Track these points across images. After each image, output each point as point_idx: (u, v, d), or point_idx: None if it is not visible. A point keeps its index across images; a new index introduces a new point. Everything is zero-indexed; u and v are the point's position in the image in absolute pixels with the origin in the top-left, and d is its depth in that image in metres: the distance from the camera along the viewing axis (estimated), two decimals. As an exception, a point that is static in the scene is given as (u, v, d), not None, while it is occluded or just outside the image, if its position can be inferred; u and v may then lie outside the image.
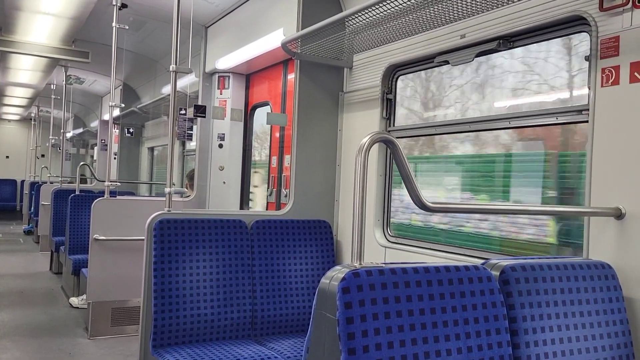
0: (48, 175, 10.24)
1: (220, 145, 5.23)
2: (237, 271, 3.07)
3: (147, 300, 2.93)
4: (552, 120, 2.38)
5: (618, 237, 1.97)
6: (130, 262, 4.47)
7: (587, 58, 2.16)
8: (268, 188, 4.77)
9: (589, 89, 2.14)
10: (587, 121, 2.14)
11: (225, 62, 4.98)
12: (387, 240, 3.30)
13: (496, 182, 3.09)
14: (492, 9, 2.51)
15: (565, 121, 2.33)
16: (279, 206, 4.50)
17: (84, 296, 5.20)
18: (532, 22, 2.39)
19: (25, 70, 8.49)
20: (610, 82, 2.04)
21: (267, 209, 4.75)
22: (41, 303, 5.84)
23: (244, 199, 5.32)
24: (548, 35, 2.42)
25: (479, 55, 2.71)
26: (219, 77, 5.28)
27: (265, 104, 5.07)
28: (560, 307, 1.71)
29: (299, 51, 3.46)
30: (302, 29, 3.34)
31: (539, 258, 1.84)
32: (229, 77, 5.25)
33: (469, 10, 2.53)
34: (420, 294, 1.46)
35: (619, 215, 1.96)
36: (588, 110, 2.14)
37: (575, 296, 1.74)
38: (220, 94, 5.26)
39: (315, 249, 3.36)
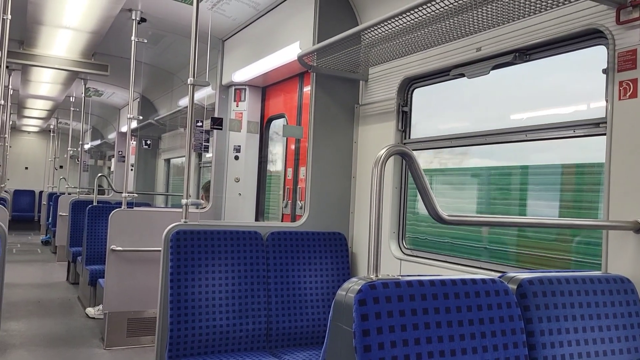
0: (66, 186, 10.37)
1: (237, 157, 5.26)
2: (253, 282, 3.08)
3: (163, 311, 2.95)
4: (570, 133, 2.37)
5: (637, 251, 1.95)
6: (146, 272, 4.50)
7: (605, 71, 2.16)
8: (283, 200, 4.79)
9: (607, 101, 2.13)
10: (604, 134, 2.13)
11: (242, 75, 5.03)
12: (403, 252, 3.29)
13: (512, 195, 3.07)
14: (508, 22, 2.51)
15: (582, 134, 2.32)
16: (294, 218, 4.51)
17: (101, 306, 5.23)
18: (548, 35, 2.39)
19: (46, 83, 8.64)
20: (628, 95, 2.04)
21: (282, 221, 4.77)
22: (58, 313, 5.89)
23: (260, 211, 5.34)
24: (565, 49, 2.41)
25: (495, 68, 2.71)
26: (235, 89, 5.33)
27: (281, 116, 5.10)
28: (579, 321, 1.69)
29: (315, 64, 3.48)
30: (318, 42, 3.38)
31: (557, 272, 1.83)
32: (245, 89, 5.30)
33: (485, 23, 2.54)
34: (437, 306, 1.46)
35: (638, 229, 1.94)
36: (606, 123, 2.13)
37: (593, 310, 1.72)
38: (237, 106, 5.31)
39: (331, 261, 3.36)
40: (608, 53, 2.13)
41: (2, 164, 8.02)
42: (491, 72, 2.74)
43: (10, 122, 10.88)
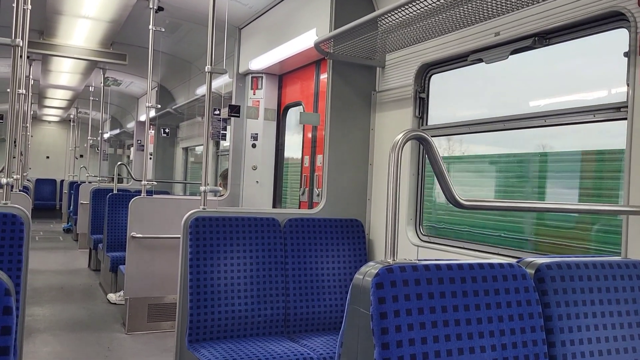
0: (86, 175, 10.52)
1: (254, 145, 5.29)
2: (271, 269, 3.11)
3: (183, 297, 2.99)
4: (589, 117, 2.34)
5: (658, 237, 1.93)
6: (166, 259, 4.56)
7: (626, 54, 2.12)
8: (300, 187, 4.81)
9: (628, 85, 2.10)
10: (625, 118, 2.10)
11: (259, 62, 5.04)
12: (420, 239, 3.29)
13: (531, 183, 3.05)
14: (527, 5, 2.48)
15: (602, 119, 2.30)
16: (311, 205, 4.53)
17: (122, 292, 5.33)
18: (568, 18, 2.36)
19: (65, 73, 8.75)
20: (649, 78, 2.00)
21: (299, 208, 4.79)
22: (80, 299, 6.02)
23: (277, 198, 5.37)
24: (585, 32, 2.38)
25: (513, 52, 2.69)
26: (252, 77, 5.35)
27: (298, 103, 5.11)
28: (598, 306, 1.68)
29: (331, 51, 3.48)
30: (334, 29, 3.37)
31: (575, 257, 1.82)
32: (262, 77, 5.31)
33: (504, 7, 2.51)
34: (454, 290, 1.46)
35: (658, 214, 1.92)
36: (627, 107, 2.10)
37: (612, 295, 1.72)
38: (254, 94, 5.32)
39: (348, 248, 3.37)
40: (630, 36, 2.09)
41: (24, 154, 8.15)
42: (510, 57, 2.71)
43: (32, 112, 11.05)
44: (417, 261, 1.48)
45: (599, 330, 1.67)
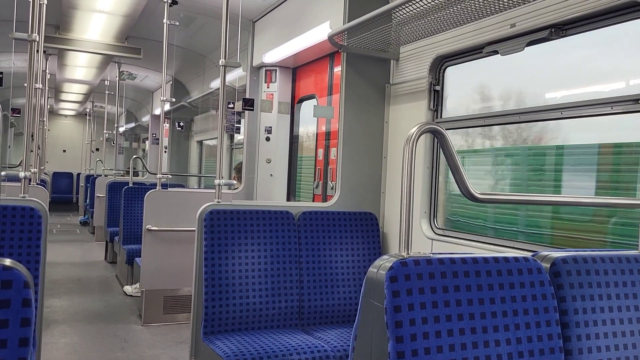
0: (102, 168, 10.63)
1: (268, 139, 5.30)
2: (285, 261, 3.13)
3: (198, 289, 3.02)
4: (607, 110, 2.31)
5: (676, 230, 1.90)
6: (181, 252, 4.60)
7: (645, 45, 2.09)
8: (314, 180, 4.81)
9: (646, 77, 2.07)
10: (643, 111, 2.08)
11: (272, 56, 5.04)
12: (434, 232, 3.28)
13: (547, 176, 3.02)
14: (544, -4, 2.45)
15: (620, 111, 2.26)
16: (325, 198, 4.53)
17: (138, 285, 5.39)
18: (586, 9, 2.32)
19: (81, 67, 8.83)
20: (669, 69, 1.97)
21: (313, 201, 4.80)
22: (97, 291, 6.09)
23: (291, 191, 5.39)
24: (602, 23, 2.34)
25: (529, 44, 2.66)
26: (266, 70, 5.35)
27: (311, 97, 5.11)
28: (614, 300, 1.67)
29: (345, 44, 3.47)
30: (348, 22, 3.35)
31: (591, 250, 1.80)
32: (275, 70, 5.31)
33: (520, -2, 2.48)
34: (469, 284, 1.46)
35: (677, 207, 1.89)
36: (645, 99, 2.07)
37: (629, 290, 1.70)
38: (268, 87, 5.33)
39: (362, 241, 3.37)
40: (649, 27, 2.06)
41: (42, 147, 8.24)
42: (525, 48, 2.68)
43: (48, 106, 11.17)
44: (432, 254, 1.48)
45: (615, 324, 1.65)
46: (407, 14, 2.85)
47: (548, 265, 1.64)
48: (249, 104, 4.63)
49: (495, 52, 2.84)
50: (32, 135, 3.73)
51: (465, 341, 1.42)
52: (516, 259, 1.57)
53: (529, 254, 1.69)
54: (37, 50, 3.34)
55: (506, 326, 1.48)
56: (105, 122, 11.03)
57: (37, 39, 3.13)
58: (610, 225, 2.59)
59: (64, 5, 5.53)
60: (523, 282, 1.54)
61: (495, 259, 1.54)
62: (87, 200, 11.53)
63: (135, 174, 8.60)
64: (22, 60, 6.46)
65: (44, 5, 4.26)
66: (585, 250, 1.79)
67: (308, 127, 5.30)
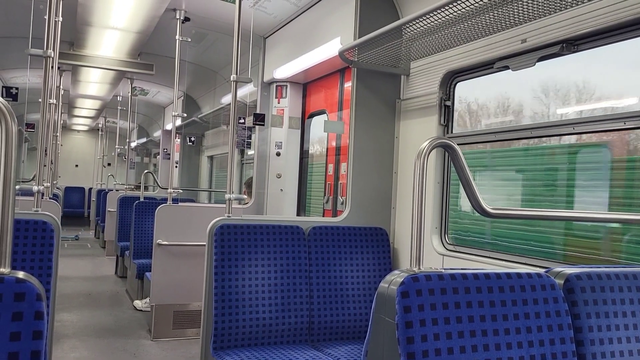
0: (114, 183, 10.69)
1: (278, 154, 5.32)
2: (295, 277, 3.12)
3: (208, 304, 3.01)
4: (620, 125, 2.29)
5: (692, 247, 1.87)
6: (191, 266, 4.60)
7: (657, 60, 2.08)
8: (324, 195, 4.81)
9: (660, 92, 2.05)
10: (657, 126, 2.06)
11: (283, 71, 5.07)
12: (445, 248, 3.26)
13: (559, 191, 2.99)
14: (555, 12, 2.45)
15: (633, 126, 2.25)
16: (335, 213, 4.52)
17: (148, 299, 5.39)
18: (597, 24, 2.32)
19: (94, 83, 8.94)
20: (682, 84, 1.96)
21: (323, 216, 4.79)
22: (107, 305, 6.10)
23: (301, 206, 5.38)
24: (615, 38, 2.34)
25: (540, 59, 2.65)
26: (276, 86, 5.38)
27: (322, 112, 5.12)
28: (629, 318, 1.64)
29: (356, 59, 3.48)
30: (359, 37, 3.37)
31: (606, 267, 1.78)
32: (286, 86, 5.34)
33: (531, 14, 2.48)
34: (481, 300, 1.44)
35: (693, 223, 1.87)
36: (658, 114, 2.06)
37: (645, 307, 1.67)
38: (278, 102, 5.36)
39: (372, 256, 3.36)
40: (661, 42, 2.05)
41: (55, 162, 8.32)
42: (536, 63, 2.68)
43: (62, 122, 11.29)
44: (443, 270, 1.46)
45: (631, 342, 1.62)
46: (418, 29, 2.86)
47: (562, 282, 1.62)
48: (259, 119, 4.65)
49: (507, 68, 2.84)
50: (46, 150, 3.76)
51: (478, 358, 1.40)
52: (529, 275, 1.55)
53: (541, 270, 1.67)
54: (52, 67, 3.39)
55: (519, 343, 1.46)
56: (117, 137, 11.12)
57: (52, 55, 3.18)
58: (624, 242, 2.55)
59: (79, 22, 5.61)
60: (536, 298, 1.52)
61: (508, 274, 1.52)
62: (99, 214, 11.57)
63: (146, 188, 8.65)
64: (36, 76, 6.55)
65: (59, 22, 4.33)
66: (599, 267, 1.77)
67: (318, 142, 5.31)
